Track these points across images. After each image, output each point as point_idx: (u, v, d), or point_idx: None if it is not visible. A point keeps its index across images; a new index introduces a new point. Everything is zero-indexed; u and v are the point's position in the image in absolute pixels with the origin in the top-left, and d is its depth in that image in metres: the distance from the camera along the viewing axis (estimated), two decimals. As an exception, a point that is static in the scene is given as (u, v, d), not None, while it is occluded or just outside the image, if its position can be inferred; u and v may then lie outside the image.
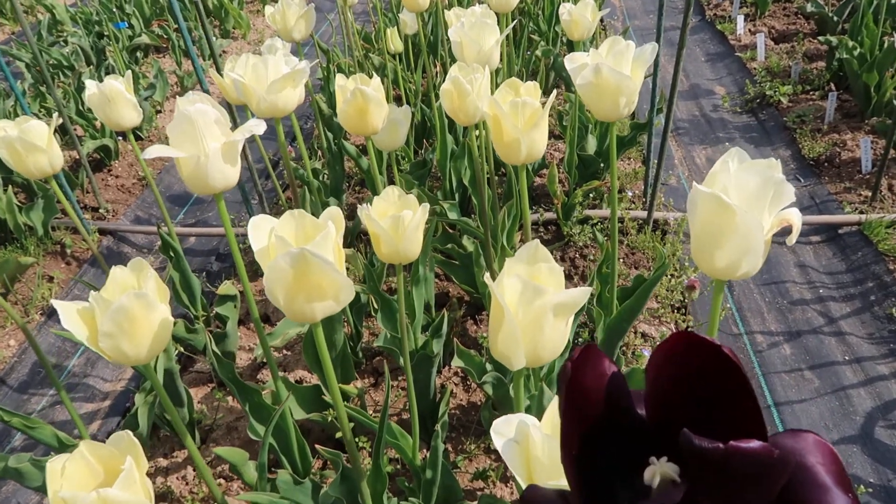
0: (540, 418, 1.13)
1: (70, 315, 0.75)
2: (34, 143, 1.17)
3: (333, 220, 0.70)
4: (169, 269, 1.64)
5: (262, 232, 0.70)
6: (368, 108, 1.14)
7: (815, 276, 2.00)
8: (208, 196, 2.73)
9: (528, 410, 1.14)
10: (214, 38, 3.95)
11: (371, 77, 1.21)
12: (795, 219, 0.74)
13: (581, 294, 0.71)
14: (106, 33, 3.67)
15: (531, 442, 0.61)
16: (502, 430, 0.64)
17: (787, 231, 0.75)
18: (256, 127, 0.91)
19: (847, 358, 1.73)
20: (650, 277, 1.27)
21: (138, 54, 3.83)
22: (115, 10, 3.95)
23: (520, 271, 0.75)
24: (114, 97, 1.38)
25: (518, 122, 0.93)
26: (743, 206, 0.71)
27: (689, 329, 1.77)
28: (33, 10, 4.92)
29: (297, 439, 1.26)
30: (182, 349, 1.73)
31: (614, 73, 1.04)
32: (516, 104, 0.93)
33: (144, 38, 3.79)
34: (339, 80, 1.19)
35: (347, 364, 1.49)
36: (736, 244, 0.73)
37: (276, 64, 1.12)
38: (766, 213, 0.73)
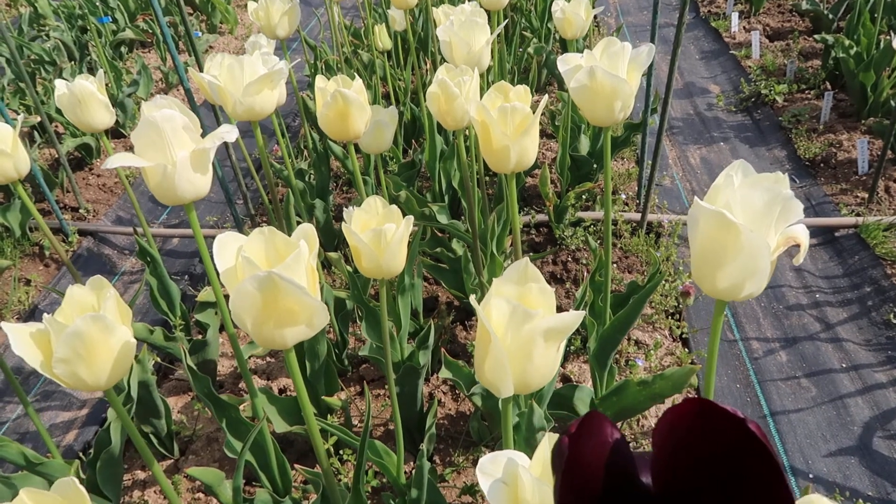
0: (529, 438, 1.08)
1: (22, 339, 0.69)
2: (-2, 147, 1.11)
3: (307, 238, 0.64)
4: (146, 275, 1.58)
5: (230, 251, 0.64)
6: (350, 111, 1.08)
7: (812, 280, 1.96)
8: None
9: (516, 429, 1.09)
10: (201, 33, 3.87)
11: (354, 78, 1.16)
12: (803, 237, 0.69)
13: (573, 319, 0.66)
14: (89, 28, 3.59)
15: (520, 484, 0.56)
16: (488, 470, 0.59)
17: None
18: (228, 134, 0.85)
19: (844, 365, 1.69)
20: (644, 288, 1.23)
21: (122, 49, 3.75)
22: (98, 4, 3.87)
23: (508, 292, 0.70)
24: (84, 98, 1.32)
25: (507, 129, 0.88)
26: (748, 225, 0.66)
27: (684, 335, 1.71)
28: (16, 2, 4.82)
29: (277, 456, 1.20)
30: (158, 359, 1.67)
31: (609, 76, 0.98)
32: (505, 110, 0.88)
33: (129, 33, 3.71)
34: (319, 81, 1.13)
35: (331, 374, 1.44)
36: (740, 264, 0.68)
37: (253, 65, 1.06)
38: (772, 230, 0.68)
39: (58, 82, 1.34)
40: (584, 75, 1.00)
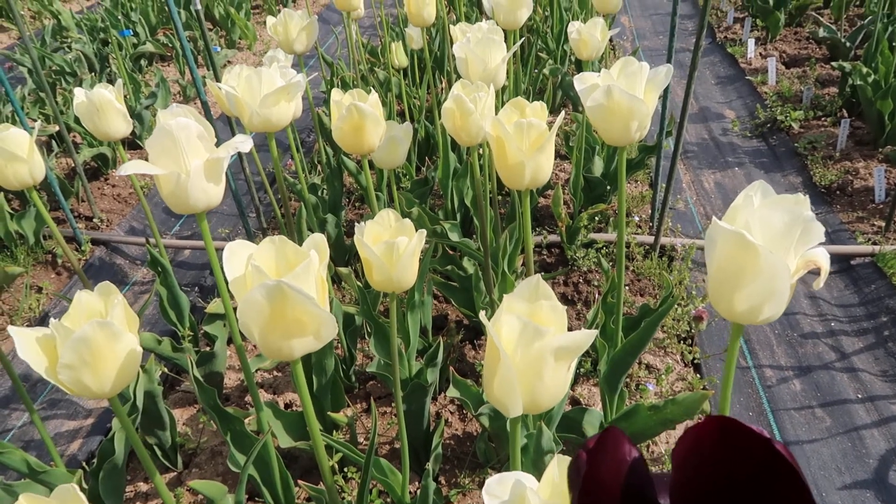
0: (537, 460, 1.06)
1: (28, 344, 0.69)
2: (13, 153, 1.11)
3: (317, 248, 0.63)
4: (156, 285, 1.58)
5: (240, 259, 0.64)
6: (365, 125, 1.08)
7: (827, 308, 1.93)
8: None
9: (524, 450, 1.07)
10: (220, 48, 3.92)
11: (369, 93, 1.16)
12: (824, 261, 0.68)
13: (585, 337, 0.65)
14: (110, 41, 3.64)
15: (528, 508, 0.55)
16: (495, 492, 0.57)
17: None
18: (242, 144, 0.85)
19: (860, 396, 1.66)
20: (656, 312, 1.21)
21: (142, 62, 3.80)
22: (120, 17, 3.93)
23: (519, 309, 0.69)
24: (103, 106, 1.33)
25: (522, 145, 0.87)
26: (768, 246, 0.65)
27: (696, 360, 1.68)
28: (41, 15, 4.90)
29: (280, 471, 1.19)
30: (166, 370, 1.66)
31: (626, 95, 0.98)
32: (521, 125, 0.87)
33: (149, 47, 3.76)
34: (335, 94, 1.13)
35: (338, 390, 1.43)
36: (759, 287, 0.66)
37: (271, 77, 1.06)
38: (791, 253, 0.67)
39: (77, 90, 1.35)
40: (600, 94, 0.99)
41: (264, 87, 1.06)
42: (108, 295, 0.73)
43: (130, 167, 0.82)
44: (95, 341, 0.69)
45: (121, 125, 1.37)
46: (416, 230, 0.89)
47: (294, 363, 0.66)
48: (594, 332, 0.65)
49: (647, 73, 1.03)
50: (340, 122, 1.08)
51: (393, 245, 0.85)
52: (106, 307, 0.73)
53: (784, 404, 1.65)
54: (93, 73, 3.45)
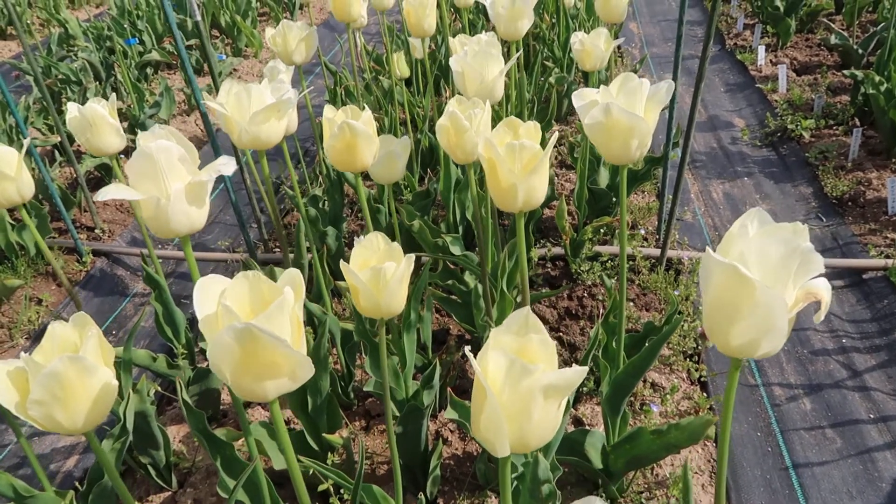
0: (534, 490, 1.03)
1: (-3, 378, 0.66)
2: (1, 171, 1.10)
3: (293, 285, 0.61)
4: (152, 300, 1.56)
5: (211, 296, 0.61)
6: (357, 143, 1.05)
7: (838, 324, 1.89)
8: (208, 218, 2.67)
9: (521, 479, 1.04)
10: (225, 56, 3.91)
11: (365, 108, 1.13)
12: (825, 293, 0.64)
13: (576, 375, 0.61)
14: (118, 48, 3.65)
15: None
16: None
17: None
18: (225, 166, 0.83)
19: (872, 416, 1.61)
20: (661, 333, 1.17)
21: (148, 71, 3.80)
22: (126, 26, 3.93)
23: (506, 344, 0.66)
24: (96, 122, 1.31)
25: (515, 167, 0.84)
26: (764, 279, 0.61)
27: (702, 378, 1.64)
28: (49, 23, 4.93)
29: (272, 495, 1.16)
30: (160, 388, 1.64)
31: (626, 113, 0.95)
32: (513, 147, 0.84)
33: (155, 55, 3.76)
34: (328, 111, 1.10)
35: (334, 410, 1.40)
36: (755, 322, 0.63)
37: (261, 93, 1.04)
38: (790, 285, 0.63)
39: (70, 105, 1.33)
40: (599, 112, 0.96)
41: (254, 105, 1.03)
42: (84, 327, 0.71)
43: (109, 192, 0.80)
44: (67, 377, 0.66)
45: (114, 140, 1.35)
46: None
47: (272, 402, 0.63)
48: (584, 370, 0.62)
49: (647, 90, 1.00)
50: (332, 140, 1.06)
51: (380, 271, 0.82)
52: (81, 339, 0.71)
53: (793, 424, 1.61)
54: (98, 82, 3.45)
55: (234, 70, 3.99)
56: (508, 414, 0.62)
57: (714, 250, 0.65)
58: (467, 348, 0.63)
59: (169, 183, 0.80)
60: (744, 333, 0.64)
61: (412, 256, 0.84)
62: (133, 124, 2.99)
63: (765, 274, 0.62)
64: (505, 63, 1.31)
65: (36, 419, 0.68)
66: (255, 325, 0.54)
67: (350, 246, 2.15)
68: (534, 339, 0.65)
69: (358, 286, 0.84)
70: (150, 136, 0.82)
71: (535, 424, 0.63)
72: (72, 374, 0.66)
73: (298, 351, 0.57)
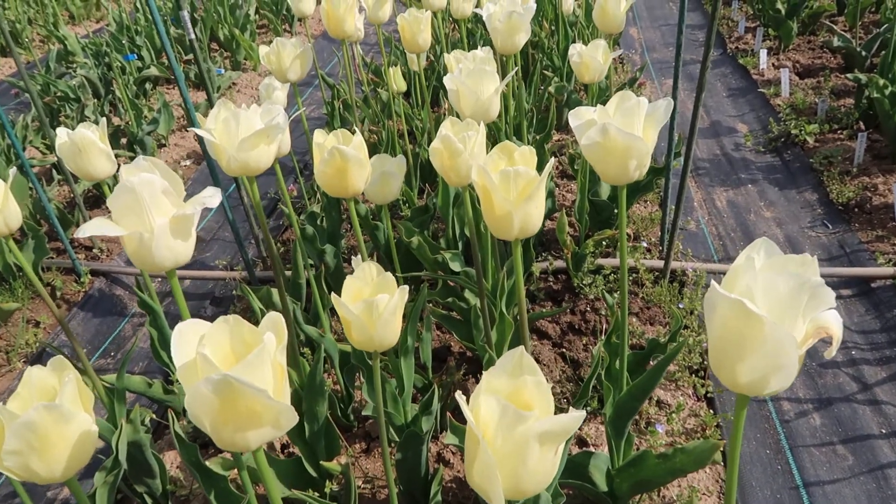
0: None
1: (-30, 429, 0.64)
2: (-14, 202, 1.08)
3: (275, 329, 0.58)
4: (147, 325, 1.53)
5: (190, 341, 0.58)
6: (348, 168, 1.03)
7: (847, 335, 1.85)
8: (207, 236, 2.65)
9: (522, 511, 1.01)
10: (224, 70, 3.90)
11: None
12: (836, 328, 0.61)
13: (573, 421, 0.59)
14: (116, 64, 3.64)
15: None
16: None
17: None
18: (210, 199, 0.80)
19: (884, 431, 1.57)
20: (665, 355, 1.14)
21: (147, 86, 3.79)
22: (125, 41, 3.92)
23: (499, 387, 0.63)
24: (85, 147, 1.29)
25: (510, 195, 0.81)
26: (772, 314, 0.58)
27: (709, 395, 1.61)
28: (49, 39, 4.93)
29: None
30: (154, 416, 1.62)
31: (623, 134, 0.92)
32: (508, 174, 0.81)
33: (153, 71, 3.75)
34: (318, 136, 1.08)
35: (332, 436, 1.37)
36: (763, 359, 0.60)
37: (249, 119, 1.01)
38: (799, 320, 0.60)
39: (59, 131, 1.31)
40: (596, 132, 0.93)
41: (242, 131, 1.01)
42: (62, 371, 0.68)
43: (89, 228, 0.77)
44: (42, 426, 0.64)
45: (105, 165, 1.33)
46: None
47: (256, 451, 0.61)
48: (582, 414, 0.59)
49: (645, 109, 0.97)
50: (323, 165, 1.03)
51: (372, 304, 0.79)
52: (60, 384, 0.68)
53: (803, 440, 1.57)
54: (97, 99, 3.44)
55: (234, 84, 3.98)
56: (502, 462, 0.59)
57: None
58: (459, 396, 0.60)
59: (153, 217, 0.78)
60: (752, 371, 0.61)
61: (405, 288, 0.82)
62: (131, 141, 2.97)
63: (773, 309, 0.59)
64: (501, 79, 1.28)
65: (12, 470, 0.65)
66: (232, 376, 0.51)
67: (349, 262, 2.12)
68: (528, 381, 0.63)
69: (350, 319, 0.81)
70: (133, 169, 0.80)
71: (530, 472, 0.60)
72: (48, 423, 0.64)
73: (280, 401, 0.54)
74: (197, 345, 0.57)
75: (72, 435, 0.66)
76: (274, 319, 0.59)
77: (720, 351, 0.63)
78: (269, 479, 0.62)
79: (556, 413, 0.61)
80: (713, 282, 0.61)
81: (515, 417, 0.58)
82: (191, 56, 4.12)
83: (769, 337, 0.58)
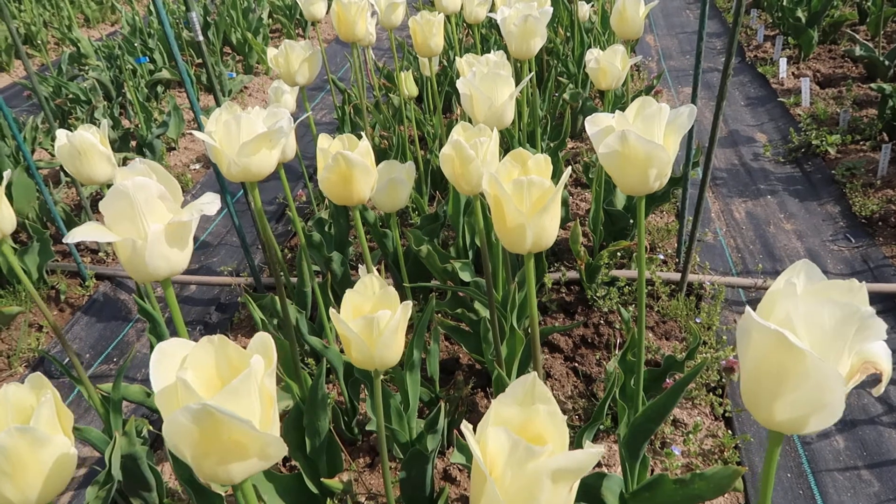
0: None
1: (-62, 453, 0.59)
2: (-21, 205, 1.04)
3: (264, 352, 0.53)
4: (147, 333, 1.49)
5: (171, 363, 0.53)
6: (353, 175, 0.98)
7: (872, 354, 1.77)
8: (215, 240, 2.61)
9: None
10: (236, 74, 3.88)
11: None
12: (886, 363, 0.55)
13: (589, 458, 0.53)
14: (128, 67, 3.62)
15: None
16: None
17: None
18: (208, 206, 0.76)
19: (911, 456, 1.50)
20: (683, 377, 1.08)
21: (159, 89, 3.77)
22: (137, 44, 3.91)
23: (509, 417, 0.58)
24: (85, 150, 1.25)
25: (523, 206, 0.76)
26: (815, 346, 0.52)
27: (727, 414, 1.55)
28: (63, 42, 4.93)
29: (266, 550, 1.08)
30: (151, 427, 1.57)
31: (644, 141, 0.86)
32: (521, 184, 0.76)
33: (165, 74, 3.73)
34: (322, 141, 1.03)
35: (334, 451, 1.31)
36: (804, 396, 0.54)
37: (251, 123, 0.97)
38: (845, 353, 0.54)
39: (59, 132, 1.27)
40: (614, 140, 0.88)
41: (243, 135, 0.96)
42: (40, 389, 0.64)
43: (79, 233, 0.73)
44: (16, 450, 0.59)
45: (105, 169, 1.29)
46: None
47: (244, 483, 0.56)
48: (600, 451, 0.54)
49: (666, 115, 0.91)
50: (327, 171, 0.98)
51: (373, 321, 0.74)
52: (38, 403, 0.63)
53: (826, 464, 1.50)
54: (108, 101, 3.43)
55: (245, 88, 3.95)
56: (511, 501, 0.54)
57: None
58: (465, 427, 0.54)
59: (147, 223, 0.73)
60: (791, 408, 0.55)
61: (409, 304, 0.77)
62: (141, 144, 2.95)
63: (816, 341, 0.53)
64: (516, 84, 1.23)
65: (-17, 496, 0.60)
66: (212, 406, 0.46)
67: (356, 270, 2.07)
68: (541, 410, 0.57)
69: (349, 336, 0.76)
70: (128, 172, 0.75)
71: (542, 511, 0.55)
72: (22, 447, 0.59)
73: (266, 432, 0.49)
74: (178, 367, 0.53)
75: (48, 459, 0.61)
76: (264, 341, 0.54)
77: (755, 383, 0.57)
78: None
79: (569, 436, 0.55)
80: (748, 309, 0.55)
81: (527, 453, 0.52)
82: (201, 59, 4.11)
83: (812, 372, 0.52)
